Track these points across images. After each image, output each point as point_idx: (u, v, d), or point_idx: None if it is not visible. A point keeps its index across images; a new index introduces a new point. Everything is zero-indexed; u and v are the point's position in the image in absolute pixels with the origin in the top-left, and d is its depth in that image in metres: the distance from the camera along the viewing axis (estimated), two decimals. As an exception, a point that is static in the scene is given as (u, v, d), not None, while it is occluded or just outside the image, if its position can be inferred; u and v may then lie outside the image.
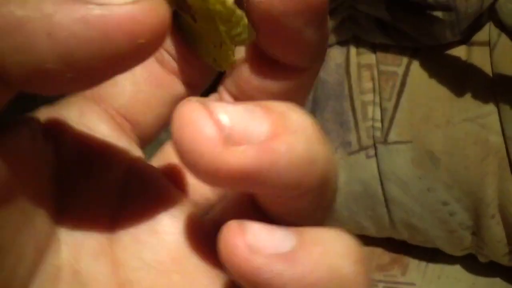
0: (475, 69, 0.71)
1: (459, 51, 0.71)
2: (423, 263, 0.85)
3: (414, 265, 0.85)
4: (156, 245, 0.25)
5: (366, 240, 0.86)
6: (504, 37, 0.69)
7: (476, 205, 0.75)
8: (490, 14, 0.69)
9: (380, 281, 0.84)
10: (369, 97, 0.74)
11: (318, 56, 0.27)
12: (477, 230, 0.78)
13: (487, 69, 0.70)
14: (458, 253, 0.83)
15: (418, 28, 0.69)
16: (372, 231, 0.83)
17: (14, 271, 0.21)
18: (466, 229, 0.78)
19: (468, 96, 0.71)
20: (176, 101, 0.29)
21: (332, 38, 0.75)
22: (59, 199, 0.25)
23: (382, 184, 0.76)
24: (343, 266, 0.21)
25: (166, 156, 0.31)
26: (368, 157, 0.76)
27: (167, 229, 0.26)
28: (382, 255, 0.86)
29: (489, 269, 0.81)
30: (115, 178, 0.26)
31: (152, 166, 0.28)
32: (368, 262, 0.84)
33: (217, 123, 0.20)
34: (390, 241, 0.86)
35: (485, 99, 0.70)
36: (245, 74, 0.27)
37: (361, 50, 0.75)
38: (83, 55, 0.19)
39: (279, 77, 0.26)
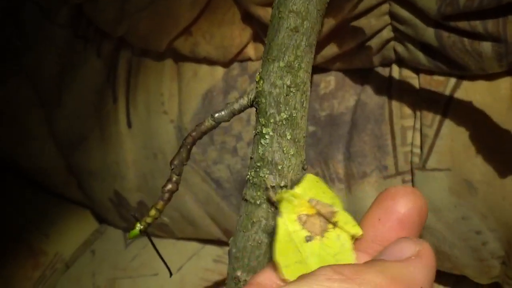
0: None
1: (505, 82, 0.72)
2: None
3: (438, 291, 0.86)
4: None
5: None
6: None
7: (509, 235, 0.76)
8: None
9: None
10: (409, 122, 0.75)
11: None
12: (507, 260, 0.79)
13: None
14: (485, 281, 0.84)
15: (465, 56, 0.69)
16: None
17: None
18: (496, 259, 0.79)
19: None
20: None
21: (375, 60, 0.76)
22: None
23: (416, 210, 0.77)
24: None
25: None
26: (404, 182, 0.76)
27: None
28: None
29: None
30: None
31: None
32: None
33: None
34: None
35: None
36: None
37: (405, 73, 0.75)
38: None
39: None
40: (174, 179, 0.54)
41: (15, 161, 1.19)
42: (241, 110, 0.54)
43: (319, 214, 0.52)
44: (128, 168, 0.98)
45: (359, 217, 0.69)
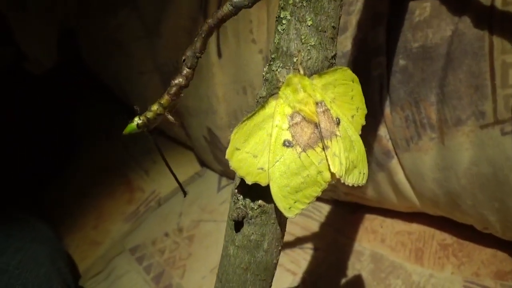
0: None
1: None
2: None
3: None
4: None
5: (490, 240, 0.76)
6: None
7: None
8: None
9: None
10: (512, 57, 0.63)
11: None
12: None
13: None
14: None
15: None
16: (497, 229, 0.72)
17: None
18: None
19: None
20: None
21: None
22: None
23: (517, 170, 0.65)
24: None
25: None
26: (503, 133, 0.65)
27: None
28: (504, 261, 0.74)
29: None
30: None
31: None
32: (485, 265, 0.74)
33: None
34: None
35: None
36: None
37: (511, -2, 0.64)
38: None
39: None
40: (184, 72, 0.50)
41: (124, 94, 1.23)
42: (263, -7, 0.48)
43: (317, 125, 0.44)
44: (219, 103, 0.96)
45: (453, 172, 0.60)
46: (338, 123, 0.44)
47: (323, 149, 0.43)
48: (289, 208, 0.44)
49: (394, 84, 0.73)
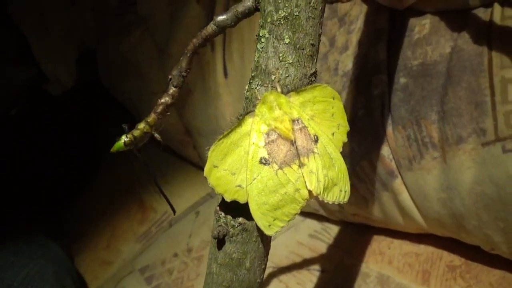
0: None
1: None
2: None
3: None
4: None
5: (498, 261, 0.75)
6: None
7: None
8: None
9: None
10: (511, 73, 0.63)
11: None
12: None
13: None
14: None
15: None
16: (504, 250, 0.71)
17: None
18: None
19: None
20: None
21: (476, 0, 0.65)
22: None
23: (520, 189, 0.65)
24: None
25: None
26: (505, 151, 0.64)
27: None
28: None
29: None
30: None
31: None
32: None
33: None
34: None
35: None
36: None
37: (508, 13, 0.63)
38: None
39: None
40: (170, 91, 0.51)
41: (138, 114, 1.25)
42: (245, 14, 0.49)
43: (293, 143, 0.45)
44: (226, 123, 0.97)
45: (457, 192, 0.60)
46: (316, 140, 0.45)
47: (300, 166, 0.44)
48: (269, 225, 0.45)
49: (396, 103, 0.73)
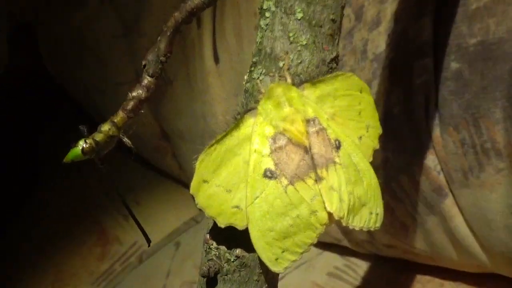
0: None
1: None
2: None
3: None
4: None
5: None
6: None
7: None
8: None
9: None
10: None
11: None
12: None
13: None
14: None
15: None
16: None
17: None
18: None
19: None
20: None
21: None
22: None
23: None
24: None
25: None
26: None
27: None
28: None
29: None
30: None
31: None
32: None
33: None
34: None
35: None
36: None
37: None
38: None
39: None
40: (145, 82, 0.51)
41: (96, 111, 1.26)
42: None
43: (307, 150, 0.45)
44: (218, 124, 0.98)
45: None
46: (338, 147, 0.46)
47: (316, 181, 0.45)
48: (276, 259, 0.46)
49: (445, 96, 0.74)
